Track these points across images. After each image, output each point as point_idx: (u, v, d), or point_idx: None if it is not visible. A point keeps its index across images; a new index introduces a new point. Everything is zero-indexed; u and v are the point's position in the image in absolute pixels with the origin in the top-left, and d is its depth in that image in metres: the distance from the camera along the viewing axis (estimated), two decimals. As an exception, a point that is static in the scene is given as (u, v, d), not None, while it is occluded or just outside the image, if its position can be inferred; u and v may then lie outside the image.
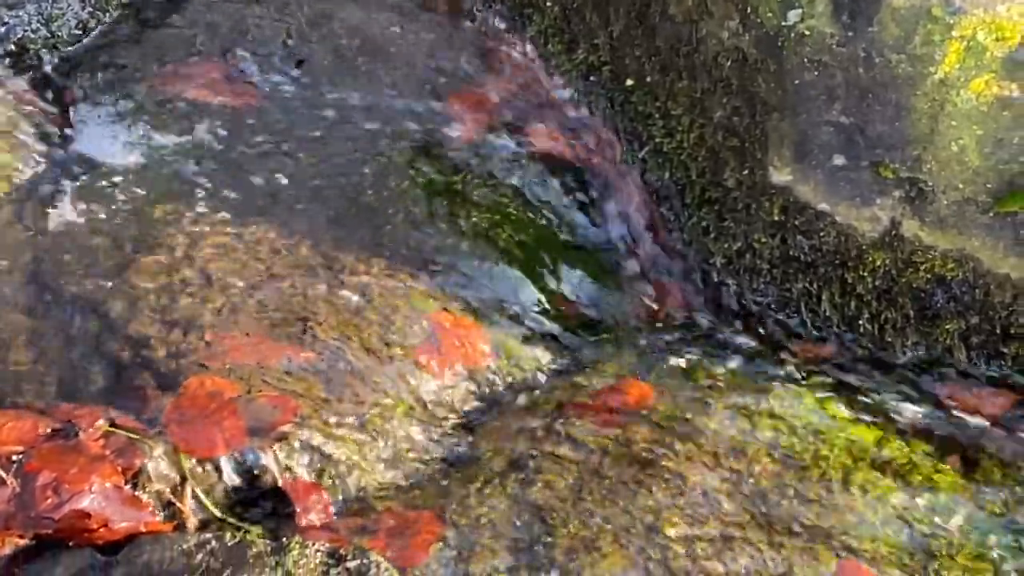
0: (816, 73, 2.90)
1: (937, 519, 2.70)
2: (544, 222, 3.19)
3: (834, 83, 2.88)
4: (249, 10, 3.53)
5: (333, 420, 2.72)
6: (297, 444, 2.66)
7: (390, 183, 3.18)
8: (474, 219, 3.14)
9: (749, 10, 2.96)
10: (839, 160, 2.93)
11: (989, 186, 2.85)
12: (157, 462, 2.57)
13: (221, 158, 3.19)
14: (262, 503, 2.64)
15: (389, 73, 3.42)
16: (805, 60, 2.90)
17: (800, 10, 2.90)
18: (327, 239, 3.05)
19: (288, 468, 2.64)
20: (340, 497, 2.65)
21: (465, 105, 3.38)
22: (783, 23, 2.92)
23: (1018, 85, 2.81)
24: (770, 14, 2.94)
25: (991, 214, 2.87)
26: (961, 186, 2.87)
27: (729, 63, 3.02)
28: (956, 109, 2.83)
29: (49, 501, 2.47)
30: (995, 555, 2.65)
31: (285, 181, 3.16)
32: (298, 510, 2.60)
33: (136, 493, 2.54)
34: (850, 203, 2.95)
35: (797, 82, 2.92)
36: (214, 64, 3.40)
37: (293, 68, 3.41)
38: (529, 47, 3.46)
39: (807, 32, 2.89)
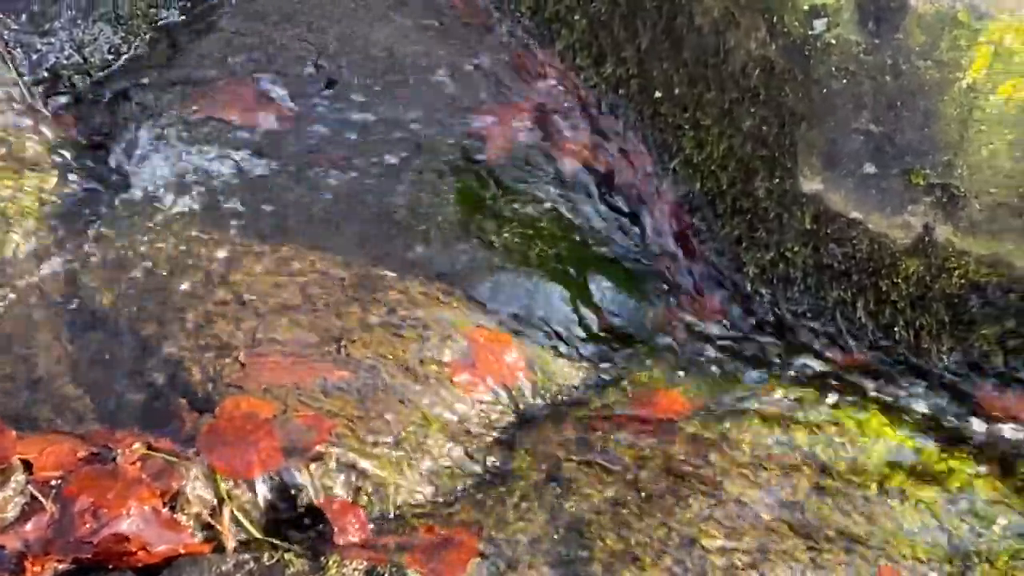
0: (844, 82, 2.89)
1: (976, 524, 2.70)
2: (576, 235, 3.20)
3: (862, 91, 2.88)
4: (280, 32, 3.54)
5: (369, 438, 2.73)
6: (333, 463, 2.67)
7: (422, 200, 3.19)
8: (506, 234, 3.15)
9: (776, 20, 2.96)
10: (869, 168, 2.92)
11: (1021, 190, 2.84)
12: (194, 484, 2.58)
13: (253, 179, 3.21)
14: (300, 522, 2.66)
15: (419, 90, 3.43)
16: (832, 69, 2.90)
17: (826, 19, 2.90)
18: (361, 258, 3.06)
19: (325, 487, 2.65)
20: (377, 515, 2.66)
21: (495, 120, 3.38)
22: (810, 32, 2.92)
23: (1047, 89, 2.81)
24: (796, 23, 2.94)
25: (1024, 218, 2.87)
26: (993, 191, 2.86)
27: (757, 73, 3.02)
28: (985, 114, 2.82)
29: (88, 525, 2.49)
30: (1035, 560, 2.65)
31: (318, 200, 3.17)
32: (335, 529, 2.61)
33: (174, 515, 2.55)
34: (882, 211, 2.94)
35: (825, 91, 2.92)
36: (245, 86, 3.41)
37: (324, 88, 3.43)
38: (558, 61, 3.47)
39: (833, 41, 2.89)
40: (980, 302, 2.94)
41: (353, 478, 2.67)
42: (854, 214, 2.97)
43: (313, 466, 2.65)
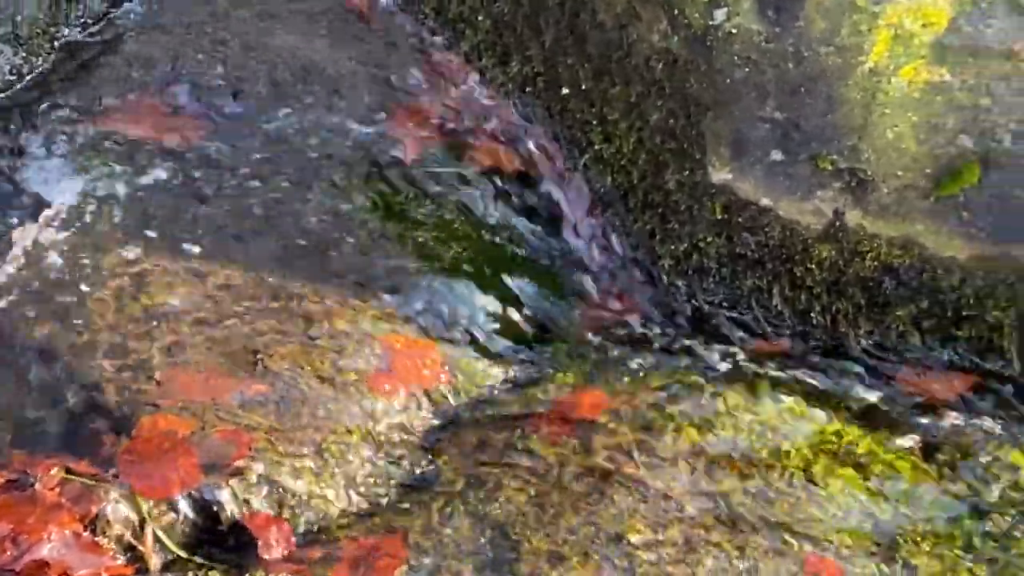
0: (746, 71, 2.90)
1: (901, 506, 2.71)
2: (491, 236, 3.19)
3: (765, 80, 2.89)
4: (185, 44, 3.52)
5: (289, 451, 2.71)
6: (254, 477, 2.65)
7: (335, 208, 3.17)
8: (421, 238, 3.14)
9: (676, 12, 2.96)
10: (777, 155, 2.93)
11: (928, 171, 2.86)
12: (115, 506, 2.56)
13: (164, 194, 3.18)
14: (224, 539, 2.64)
15: (328, 96, 3.42)
16: (735, 58, 2.91)
17: (726, 9, 2.91)
18: (275, 269, 3.04)
19: (247, 502, 2.63)
20: (301, 527, 2.65)
21: (406, 124, 3.37)
22: (710, 23, 2.93)
23: (948, 69, 2.82)
24: (697, 15, 2.94)
25: (932, 199, 2.88)
26: (900, 173, 2.87)
27: (661, 66, 3.02)
28: (888, 97, 2.84)
29: (8, 553, 2.46)
30: (960, 537, 2.65)
31: (230, 213, 3.15)
32: (260, 543, 2.59)
33: (96, 538, 2.53)
34: (792, 197, 2.95)
35: (728, 80, 2.93)
36: (153, 99, 3.39)
37: (231, 98, 3.40)
38: (465, 62, 3.46)
39: (734, 31, 2.90)
40: (894, 284, 2.96)
41: (275, 492, 2.66)
42: (764, 202, 2.98)
43: (234, 481, 2.63)
